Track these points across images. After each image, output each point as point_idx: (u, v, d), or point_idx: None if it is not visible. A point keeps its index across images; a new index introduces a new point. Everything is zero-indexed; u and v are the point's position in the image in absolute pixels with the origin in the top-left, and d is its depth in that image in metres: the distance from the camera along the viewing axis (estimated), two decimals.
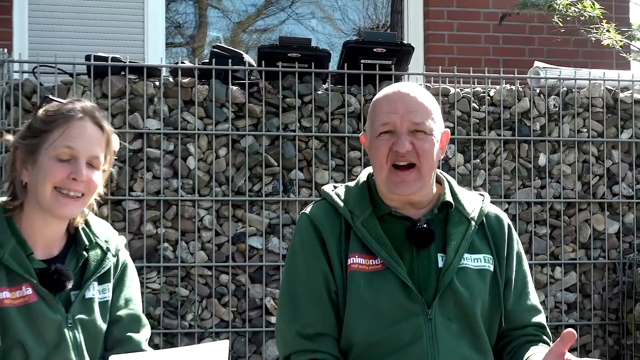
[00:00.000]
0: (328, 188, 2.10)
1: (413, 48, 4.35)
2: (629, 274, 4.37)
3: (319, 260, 1.96)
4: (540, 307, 2.07)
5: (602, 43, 5.09)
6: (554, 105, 4.43)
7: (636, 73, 4.75)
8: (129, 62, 4.04)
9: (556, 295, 4.37)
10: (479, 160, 4.34)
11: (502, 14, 5.51)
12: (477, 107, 4.37)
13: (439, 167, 2.08)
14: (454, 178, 2.29)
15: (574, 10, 5.08)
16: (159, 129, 4.02)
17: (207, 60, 4.22)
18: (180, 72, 4.09)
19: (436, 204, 2.03)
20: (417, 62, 5.40)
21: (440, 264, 1.96)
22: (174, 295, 3.97)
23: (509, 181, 4.37)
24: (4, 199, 1.96)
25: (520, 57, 5.86)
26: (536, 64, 4.70)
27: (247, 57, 4.22)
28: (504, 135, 4.36)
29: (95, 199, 2.00)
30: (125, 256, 2.08)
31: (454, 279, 1.93)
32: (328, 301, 1.95)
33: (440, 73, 4.31)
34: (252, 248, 4.06)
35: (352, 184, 2.10)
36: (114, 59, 4.03)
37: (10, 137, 1.97)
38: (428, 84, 4.43)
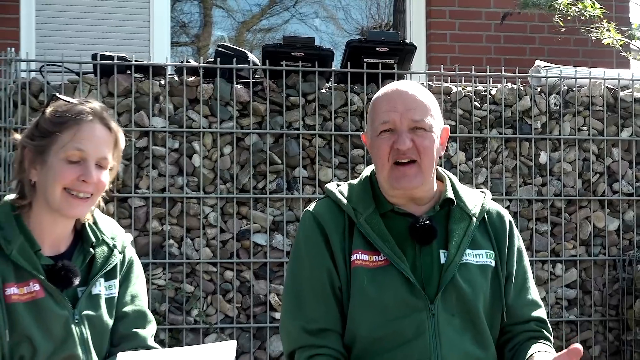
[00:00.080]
0: (331, 186, 2.11)
1: (415, 47, 4.35)
2: (629, 270, 4.38)
3: (322, 256, 1.97)
4: (540, 301, 2.08)
5: (602, 42, 5.10)
6: (555, 103, 4.45)
7: (636, 72, 4.73)
8: (135, 61, 4.04)
9: (557, 292, 4.38)
10: (480, 158, 4.35)
11: (503, 14, 5.51)
12: (479, 106, 4.39)
13: (440, 165, 2.09)
14: (456, 176, 2.31)
15: (575, 9, 5.08)
16: (165, 127, 4.03)
17: (212, 59, 4.21)
18: (185, 71, 4.10)
19: (438, 201, 2.04)
20: (419, 61, 5.41)
21: (443, 260, 1.96)
22: (179, 291, 3.98)
23: (510, 179, 4.38)
24: (12, 196, 1.96)
25: (521, 56, 5.87)
26: (537, 63, 4.69)
27: (252, 56, 4.21)
28: (505, 134, 4.37)
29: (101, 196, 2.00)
30: (131, 253, 2.08)
31: (456, 275, 1.94)
32: (332, 297, 1.96)
33: (442, 72, 4.30)
34: (257, 245, 4.08)
35: (355, 181, 2.10)
36: (120, 58, 4.04)
37: (18, 136, 1.97)
38: (430, 83, 4.43)
